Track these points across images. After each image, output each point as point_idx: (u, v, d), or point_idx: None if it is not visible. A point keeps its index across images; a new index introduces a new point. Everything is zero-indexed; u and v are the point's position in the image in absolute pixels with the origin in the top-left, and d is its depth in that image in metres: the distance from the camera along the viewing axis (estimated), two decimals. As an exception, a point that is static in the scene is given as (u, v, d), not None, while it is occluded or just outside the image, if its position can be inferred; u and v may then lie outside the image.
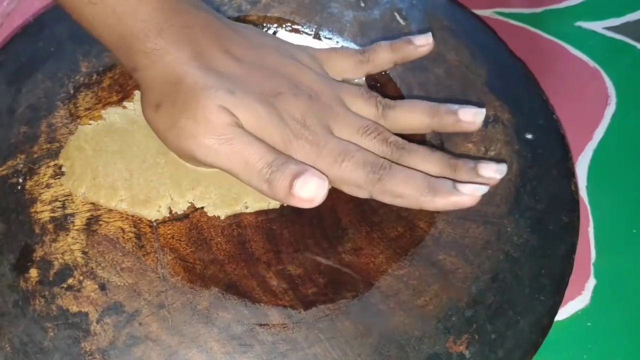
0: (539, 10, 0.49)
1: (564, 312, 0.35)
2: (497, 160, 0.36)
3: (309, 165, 0.32)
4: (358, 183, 0.33)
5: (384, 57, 0.38)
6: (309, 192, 0.30)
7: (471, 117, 0.35)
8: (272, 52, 0.35)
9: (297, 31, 0.43)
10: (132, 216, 0.35)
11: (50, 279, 0.33)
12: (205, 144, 0.31)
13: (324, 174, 0.32)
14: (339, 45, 0.42)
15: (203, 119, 0.31)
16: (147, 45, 0.32)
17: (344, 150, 0.33)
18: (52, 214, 0.35)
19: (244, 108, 0.32)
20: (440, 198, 0.32)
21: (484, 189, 0.32)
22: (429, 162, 0.34)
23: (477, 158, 0.37)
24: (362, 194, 0.33)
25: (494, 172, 0.33)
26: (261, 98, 0.32)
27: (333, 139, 0.33)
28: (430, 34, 0.38)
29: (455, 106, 0.35)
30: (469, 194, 0.32)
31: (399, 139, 0.35)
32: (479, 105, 0.36)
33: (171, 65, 0.32)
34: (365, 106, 0.35)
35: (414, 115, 0.35)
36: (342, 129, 0.34)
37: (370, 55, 0.38)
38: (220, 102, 0.31)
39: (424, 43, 0.38)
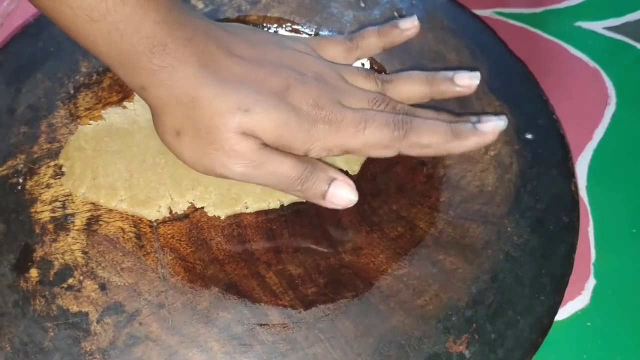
0: (539, 10, 0.50)
1: (563, 312, 0.36)
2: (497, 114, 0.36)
3: (332, 146, 0.33)
4: (384, 143, 0.34)
5: (372, 43, 0.38)
6: (342, 200, 0.33)
7: (467, 81, 0.36)
8: (271, 46, 0.35)
9: (297, 31, 0.43)
10: (132, 216, 0.35)
11: (51, 279, 0.33)
12: (238, 171, 0.33)
13: (348, 145, 0.33)
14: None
15: (231, 150, 0.32)
16: (154, 62, 0.31)
17: (363, 118, 0.33)
18: (52, 214, 0.35)
19: (262, 125, 0.32)
20: (465, 140, 0.34)
21: (502, 125, 0.34)
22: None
23: (477, 158, 0.38)
24: (389, 153, 0.34)
25: (494, 126, 0.34)
26: (274, 99, 0.33)
27: (349, 111, 0.34)
28: (415, 16, 0.38)
29: (451, 73, 0.36)
30: (489, 131, 0.34)
31: (406, 106, 0.36)
32: (473, 69, 0.37)
33: (181, 84, 0.32)
34: (366, 83, 0.36)
35: (412, 86, 0.37)
36: (352, 102, 0.34)
37: (358, 42, 0.38)
38: (241, 128, 0.32)
39: (409, 26, 0.38)
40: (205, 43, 0.33)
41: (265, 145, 0.33)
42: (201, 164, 0.33)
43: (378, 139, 0.34)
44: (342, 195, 0.33)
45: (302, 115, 0.33)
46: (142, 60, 0.31)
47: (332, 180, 0.33)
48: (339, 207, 0.34)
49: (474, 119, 0.35)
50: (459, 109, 0.40)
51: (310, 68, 0.35)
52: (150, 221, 0.35)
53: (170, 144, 0.34)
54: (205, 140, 0.32)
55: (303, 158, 0.33)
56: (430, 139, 0.34)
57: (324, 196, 0.33)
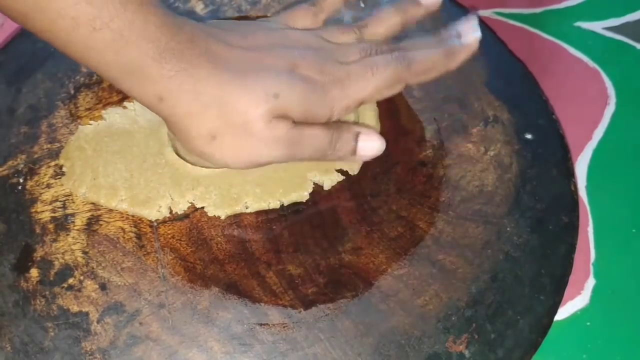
0: (538, 10, 0.50)
1: (563, 312, 0.36)
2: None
3: (350, 101, 0.34)
4: (392, 81, 0.35)
5: (333, 1, 0.39)
6: (371, 150, 0.35)
7: None
8: (257, 32, 0.36)
9: (297, 31, 0.43)
10: (133, 216, 0.35)
11: (51, 278, 0.33)
12: (280, 155, 0.33)
13: (363, 96, 0.35)
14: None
15: (272, 137, 0.32)
16: (166, 67, 0.30)
17: (366, 66, 0.35)
18: (53, 214, 0.35)
19: (291, 105, 0.33)
20: (458, 56, 0.36)
21: (479, 35, 0.36)
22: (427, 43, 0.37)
23: (477, 158, 0.38)
24: (399, 88, 0.36)
25: (474, 38, 0.36)
26: (290, 78, 0.33)
27: (351, 66, 0.35)
28: None
29: None
30: (472, 43, 0.36)
31: (391, 45, 0.37)
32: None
33: (201, 85, 0.31)
34: (346, 37, 0.37)
35: (386, 22, 0.38)
36: (348, 58, 0.35)
37: (321, 4, 0.39)
38: (274, 113, 0.32)
39: None
40: (205, 42, 0.33)
41: (295, 122, 0.33)
42: (244, 160, 0.33)
43: (387, 79, 0.35)
44: (370, 146, 0.35)
45: (316, 85, 0.33)
46: (154, 67, 0.30)
47: (358, 134, 0.35)
48: (370, 158, 0.35)
49: (453, 34, 0.37)
50: (460, 108, 0.40)
51: (299, 41, 0.36)
52: (150, 221, 0.35)
53: (206, 151, 0.33)
54: (245, 135, 0.32)
55: (326, 124, 0.34)
56: (432, 63, 0.35)
57: (354, 152, 0.35)
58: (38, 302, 0.32)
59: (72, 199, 0.35)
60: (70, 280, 0.33)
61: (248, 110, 0.32)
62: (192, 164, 0.36)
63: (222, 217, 0.35)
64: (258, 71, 0.33)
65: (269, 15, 0.43)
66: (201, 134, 0.32)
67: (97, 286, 0.33)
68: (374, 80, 0.34)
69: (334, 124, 0.35)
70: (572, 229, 0.36)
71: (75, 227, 0.34)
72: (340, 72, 0.34)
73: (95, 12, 0.28)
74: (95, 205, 0.35)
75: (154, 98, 0.31)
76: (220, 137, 0.32)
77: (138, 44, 0.30)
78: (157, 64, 0.30)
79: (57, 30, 0.29)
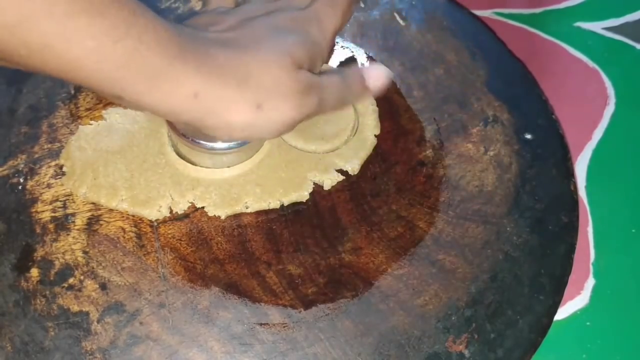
0: (538, 10, 0.50)
1: (563, 312, 0.36)
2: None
3: (329, 35, 0.35)
4: (350, 0, 0.36)
5: None
6: (380, 77, 0.35)
7: None
8: (219, 17, 0.36)
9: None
10: (133, 216, 0.35)
11: (51, 278, 0.33)
12: (314, 103, 0.33)
13: (338, 23, 0.36)
14: (339, 46, 0.42)
15: (304, 87, 0.33)
16: (190, 63, 0.30)
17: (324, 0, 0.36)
18: (53, 214, 0.35)
19: (304, 56, 0.33)
20: None
21: None
22: None
23: (477, 158, 0.38)
24: (356, 5, 0.36)
25: None
26: (284, 36, 0.34)
27: (312, 6, 0.36)
28: None
29: None
30: None
31: None
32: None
33: (228, 67, 0.32)
34: None
35: None
36: (304, 1, 0.36)
37: None
38: (296, 65, 0.33)
39: None
40: (200, 34, 0.33)
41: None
42: (290, 119, 0.33)
43: (345, 1, 0.36)
44: (378, 74, 0.35)
45: (302, 32, 0.34)
46: (180, 66, 0.30)
47: (363, 72, 0.35)
48: (382, 88, 0.35)
49: None
50: (460, 108, 0.40)
51: (256, 10, 0.36)
52: (150, 221, 0.35)
53: (256, 123, 0.32)
54: (282, 94, 0.32)
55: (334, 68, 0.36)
56: None
57: (363, 84, 0.35)
58: (38, 301, 0.32)
59: (72, 199, 0.35)
60: (71, 280, 0.33)
61: (275, 70, 0.32)
62: (192, 164, 0.36)
63: (222, 217, 0.35)
64: (260, 39, 0.33)
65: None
66: (245, 110, 0.32)
67: (97, 286, 0.33)
68: (338, 8, 0.35)
69: (338, 68, 0.36)
70: (571, 228, 0.36)
71: (76, 227, 0.34)
72: (310, 14, 0.35)
73: (111, 24, 0.28)
74: (96, 205, 0.35)
75: (189, 97, 0.31)
76: (265, 103, 0.32)
77: (158, 47, 0.29)
78: (181, 62, 0.30)
79: (78, 53, 0.28)
